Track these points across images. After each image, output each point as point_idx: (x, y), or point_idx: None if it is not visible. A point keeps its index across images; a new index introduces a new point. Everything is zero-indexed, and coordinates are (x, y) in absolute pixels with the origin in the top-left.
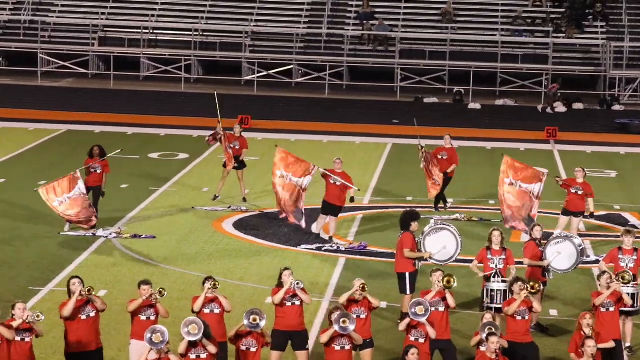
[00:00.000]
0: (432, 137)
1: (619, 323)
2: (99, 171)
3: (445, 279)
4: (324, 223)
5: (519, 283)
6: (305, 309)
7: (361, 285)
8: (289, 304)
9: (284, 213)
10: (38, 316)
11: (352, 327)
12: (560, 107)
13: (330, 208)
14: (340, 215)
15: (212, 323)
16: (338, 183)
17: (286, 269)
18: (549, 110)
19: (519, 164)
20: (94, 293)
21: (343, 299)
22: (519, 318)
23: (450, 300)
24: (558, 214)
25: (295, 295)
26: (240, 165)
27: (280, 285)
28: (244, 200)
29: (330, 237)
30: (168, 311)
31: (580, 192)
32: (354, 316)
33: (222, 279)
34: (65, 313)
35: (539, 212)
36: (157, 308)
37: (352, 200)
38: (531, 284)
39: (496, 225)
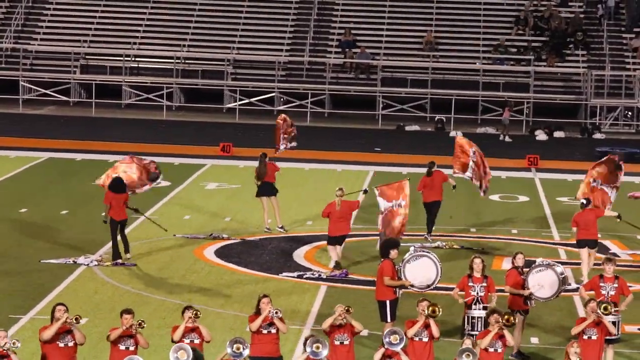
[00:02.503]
0: (414, 164)
1: (601, 352)
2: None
3: (430, 308)
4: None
5: (495, 315)
6: (286, 337)
7: (345, 308)
8: (265, 331)
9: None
10: (14, 343)
11: (324, 353)
12: (541, 135)
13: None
14: (321, 242)
15: None
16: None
17: (265, 296)
18: (507, 138)
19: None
20: (80, 322)
21: (326, 324)
22: (491, 350)
23: (435, 330)
24: (541, 242)
25: (272, 324)
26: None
27: (258, 312)
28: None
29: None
30: (148, 341)
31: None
32: (336, 342)
33: (204, 306)
34: (44, 336)
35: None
36: (136, 338)
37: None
38: (506, 317)
39: (477, 253)
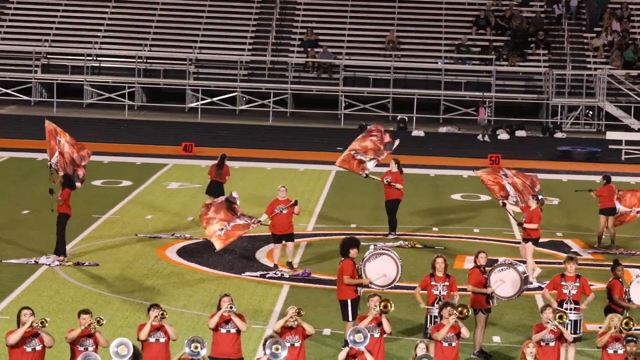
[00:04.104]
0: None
1: (558, 357)
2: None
3: (382, 303)
4: (284, 249)
5: (448, 308)
6: (248, 336)
7: (297, 310)
8: (223, 330)
9: None
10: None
11: (284, 354)
12: (503, 135)
13: (282, 237)
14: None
15: (157, 352)
16: (284, 211)
17: (226, 295)
18: (486, 138)
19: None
20: (46, 326)
21: (277, 326)
22: (445, 344)
23: (386, 326)
24: (504, 241)
25: (230, 322)
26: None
27: (219, 310)
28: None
29: (275, 265)
30: (108, 340)
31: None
32: (287, 344)
33: (166, 306)
34: (10, 341)
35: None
36: (96, 338)
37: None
38: (459, 309)
39: (439, 252)
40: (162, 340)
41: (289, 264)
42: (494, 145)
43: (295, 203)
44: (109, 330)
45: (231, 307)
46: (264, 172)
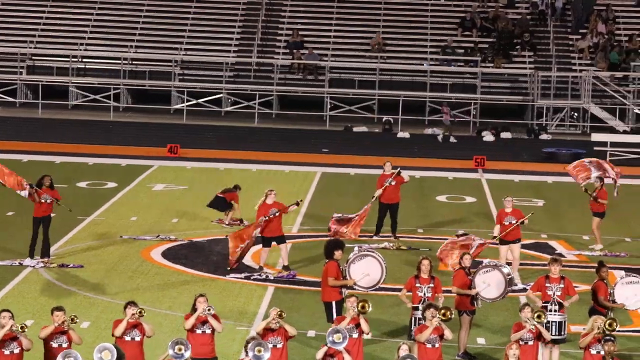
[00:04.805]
0: (362, 166)
1: (537, 356)
2: (49, 201)
3: (360, 304)
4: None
5: (431, 309)
6: (233, 338)
7: (278, 314)
8: (199, 331)
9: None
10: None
11: (266, 356)
12: (488, 136)
13: (272, 240)
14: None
15: (133, 351)
16: (277, 214)
17: (201, 295)
18: (452, 139)
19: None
20: (26, 331)
21: (260, 327)
22: (429, 346)
23: (365, 327)
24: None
25: (206, 322)
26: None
27: (194, 311)
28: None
29: (260, 267)
30: (81, 337)
31: (512, 222)
32: (270, 345)
33: (151, 308)
34: None
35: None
36: (69, 335)
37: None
38: (442, 311)
39: (425, 254)
40: (137, 338)
41: (286, 268)
42: (479, 146)
43: (298, 204)
44: (93, 333)
45: (209, 309)
46: (249, 174)
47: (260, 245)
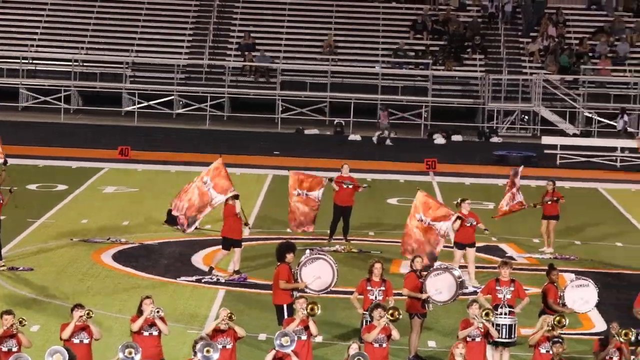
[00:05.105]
0: (313, 168)
1: (484, 353)
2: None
3: (309, 306)
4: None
5: (379, 310)
6: (183, 341)
7: (228, 315)
8: (146, 333)
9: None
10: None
11: (215, 356)
12: (439, 139)
13: (231, 242)
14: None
15: (81, 354)
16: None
17: (147, 297)
18: (389, 142)
19: (433, 200)
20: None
21: (209, 328)
22: (376, 345)
23: (313, 329)
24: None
25: (153, 325)
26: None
27: (140, 313)
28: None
29: (210, 268)
30: (30, 340)
31: (474, 224)
32: (219, 346)
33: (101, 311)
34: None
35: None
36: (18, 338)
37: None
38: (390, 311)
39: (377, 257)
40: (85, 341)
41: (237, 272)
42: (430, 149)
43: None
44: (43, 336)
45: (158, 311)
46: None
47: (217, 247)
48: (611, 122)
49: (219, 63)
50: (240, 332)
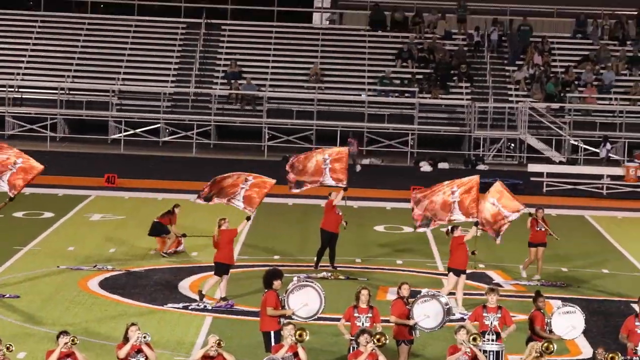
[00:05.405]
0: (300, 195)
1: None
2: None
3: (298, 332)
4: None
5: (365, 335)
6: None
7: (216, 342)
8: None
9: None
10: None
11: None
12: (425, 167)
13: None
14: (207, 273)
15: None
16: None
17: (133, 324)
18: (358, 168)
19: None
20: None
21: (198, 355)
22: None
23: (302, 355)
24: (427, 273)
25: (140, 351)
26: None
27: (126, 340)
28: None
29: (201, 294)
30: None
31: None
32: None
33: (87, 338)
34: None
35: None
36: None
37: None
38: (377, 336)
39: (363, 284)
40: None
41: (224, 299)
42: (417, 177)
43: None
44: None
45: (145, 337)
46: (188, 204)
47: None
48: (596, 150)
49: (205, 91)
50: (230, 359)
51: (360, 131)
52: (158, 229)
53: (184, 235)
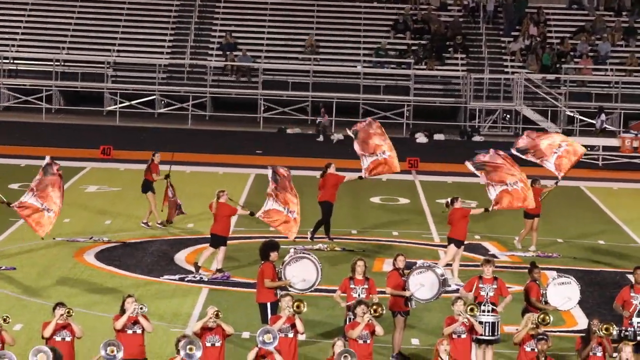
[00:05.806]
0: (295, 167)
1: (470, 349)
2: None
3: (295, 304)
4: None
5: (362, 306)
6: (168, 340)
7: (215, 312)
8: (130, 331)
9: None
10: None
11: (198, 354)
12: (421, 138)
13: (221, 240)
14: (203, 245)
15: (64, 352)
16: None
17: (129, 296)
18: (335, 139)
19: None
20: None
21: (197, 326)
22: (360, 342)
23: (300, 326)
24: (422, 244)
25: (137, 323)
26: None
27: (123, 312)
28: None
29: (197, 266)
30: (14, 337)
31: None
32: (208, 344)
33: (84, 310)
34: None
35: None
36: (2, 336)
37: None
38: (374, 307)
39: (359, 255)
40: (67, 339)
41: (219, 270)
42: (412, 148)
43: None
44: (26, 335)
45: (142, 308)
46: (183, 176)
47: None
48: (592, 121)
49: (200, 63)
50: (229, 330)
51: (356, 102)
52: (147, 186)
53: (167, 177)
